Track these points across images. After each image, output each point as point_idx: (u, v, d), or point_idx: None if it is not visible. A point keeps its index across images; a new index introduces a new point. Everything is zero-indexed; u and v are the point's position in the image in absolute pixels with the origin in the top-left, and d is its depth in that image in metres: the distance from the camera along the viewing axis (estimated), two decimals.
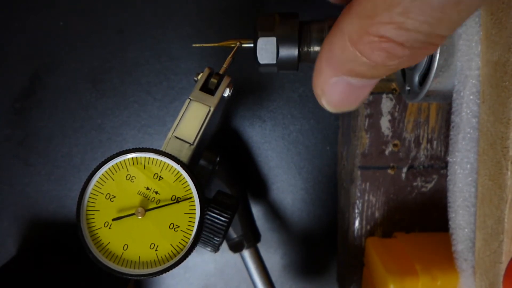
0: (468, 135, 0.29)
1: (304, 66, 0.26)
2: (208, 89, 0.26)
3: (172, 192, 0.23)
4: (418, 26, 0.16)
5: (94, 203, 0.23)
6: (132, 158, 0.24)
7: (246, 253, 0.42)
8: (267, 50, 0.24)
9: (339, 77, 0.19)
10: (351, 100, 0.20)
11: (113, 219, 0.23)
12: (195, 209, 0.23)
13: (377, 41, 0.16)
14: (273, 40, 0.24)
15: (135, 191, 0.23)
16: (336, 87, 0.19)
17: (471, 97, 0.28)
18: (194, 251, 0.23)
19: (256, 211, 0.48)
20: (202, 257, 0.49)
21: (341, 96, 0.20)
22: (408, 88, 0.33)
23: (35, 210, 0.47)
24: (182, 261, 0.23)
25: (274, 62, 0.24)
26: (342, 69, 0.19)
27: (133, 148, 0.24)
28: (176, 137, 0.25)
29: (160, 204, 0.23)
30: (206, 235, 0.24)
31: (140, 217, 0.23)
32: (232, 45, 0.26)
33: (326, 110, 0.21)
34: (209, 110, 0.25)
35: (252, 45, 0.26)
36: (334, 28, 0.18)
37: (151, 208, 0.23)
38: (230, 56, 0.27)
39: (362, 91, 0.20)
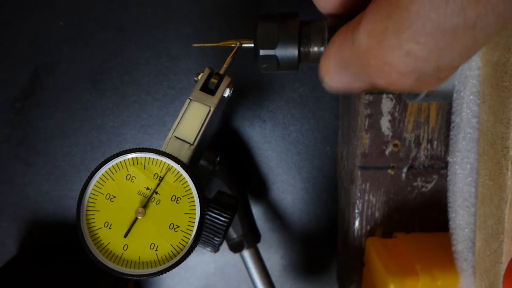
0: (468, 135, 0.29)
1: (304, 66, 0.26)
2: (208, 89, 0.26)
3: (172, 192, 0.23)
4: (426, 54, 0.15)
5: (94, 203, 0.23)
6: (132, 158, 0.24)
7: (246, 253, 0.42)
8: (267, 37, 0.24)
9: (342, 71, 0.19)
10: (350, 88, 0.20)
11: (124, 236, 0.23)
12: (195, 209, 0.23)
13: (382, 66, 0.16)
14: (273, 26, 0.24)
15: (135, 191, 0.23)
16: (339, 77, 0.20)
17: (471, 97, 0.28)
18: (194, 251, 0.23)
19: (256, 211, 0.48)
20: (202, 257, 0.49)
21: (342, 84, 0.20)
22: None
23: (35, 210, 0.47)
24: (182, 261, 0.23)
25: (274, 49, 0.24)
26: (346, 68, 0.19)
27: (133, 148, 0.24)
28: (176, 137, 0.25)
29: (160, 204, 0.23)
30: (206, 235, 0.24)
31: (140, 217, 0.23)
32: (232, 45, 0.26)
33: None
34: (209, 110, 0.25)
35: (252, 45, 0.26)
36: (346, 32, 0.18)
37: (151, 208, 0.23)
38: (230, 56, 0.26)
39: (362, 86, 0.20)
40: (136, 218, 0.23)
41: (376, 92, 0.39)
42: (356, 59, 0.17)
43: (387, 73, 0.16)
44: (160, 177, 0.24)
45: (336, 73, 0.20)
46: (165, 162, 0.24)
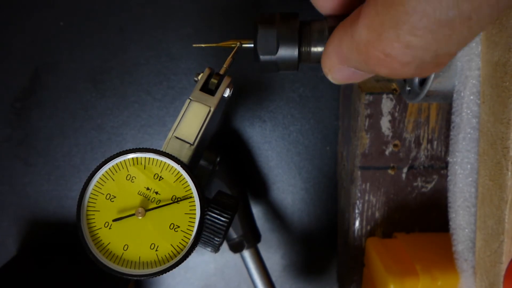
0: (469, 135, 0.29)
1: (304, 66, 0.26)
2: (208, 89, 0.26)
3: (172, 192, 0.23)
4: (425, 45, 0.15)
5: (95, 203, 0.23)
6: (133, 158, 0.24)
7: (246, 253, 0.42)
8: (267, 43, 0.24)
9: (344, 66, 0.20)
10: (354, 80, 0.21)
11: (114, 220, 0.23)
12: (195, 209, 0.23)
13: (383, 58, 0.16)
14: (273, 32, 0.24)
15: (136, 191, 0.23)
16: (342, 71, 0.20)
17: (472, 97, 0.28)
18: (194, 251, 0.23)
19: (256, 211, 0.48)
20: (202, 257, 0.49)
21: (345, 77, 0.21)
22: (408, 88, 0.33)
23: (35, 210, 0.47)
24: (182, 261, 0.23)
25: (274, 55, 0.24)
26: (347, 63, 0.19)
27: (133, 148, 0.24)
28: (177, 137, 0.25)
29: (160, 204, 0.23)
30: (207, 235, 0.24)
31: (140, 217, 0.23)
32: (232, 45, 0.26)
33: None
34: (210, 111, 0.25)
35: (252, 45, 0.26)
36: (345, 27, 0.18)
37: (151, 208, 0.23)
38: (230, 56, 0.26)
39: (366, 76, 0.21)
40: (133, 214, 0.23)
41: (377, 92, 0.39)
42: (356, 53, 0.18)
43: (388, 64, 0.17)
44: (161, 177, 0.24)
45: (338, 68, 0.20)
46: (165, 162, 0.24)
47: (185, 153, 0.25)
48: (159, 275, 0.23)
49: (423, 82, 0.31)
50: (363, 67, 0.18)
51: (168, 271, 0.23)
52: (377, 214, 0.40)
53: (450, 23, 0.14)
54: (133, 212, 0.23)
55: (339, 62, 0.20)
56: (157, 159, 0.24)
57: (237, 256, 0.43)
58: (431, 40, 0.15)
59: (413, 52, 0.16)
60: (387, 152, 0.40)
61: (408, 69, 0.16)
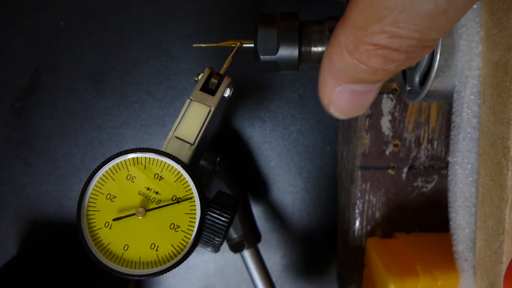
0: (469, 135, 0.29)
1: (304, 66, 0.26)
2: (208, 89, 0.26)
3: (172, 192, 0.23)
4: (409, 34, 0.16)
5: (95, 203, 0.23)
6: (133, 158, 0.24)
7: (247, 253, 0.42)
8: (267, 43, 0.24)
9: (342, 86, 0.20)
10: (358, 105, 0.21)
11: (114, 219, 0.23)
12: (195, 209, 0.23)
13: (373, 49, 0.17)
14: (273, 32, 0.24)
15: (136, 191, 0.23)
16: (342, 95, 0.20)
17: (472, 97, 0.28)
18: (194, 251, 0.23)
19: (256, 211, 0.48)
20: (202, 257, 0.49)
21: (347, 103, 0.20)
22: (408, 88, 0.33)
23: (35, 210, 0.47)
24: (183, 261, 0.23)
25: (275, 55, 0.24)
26: (344, 77, 0.19)
27: (133, 148, 0.24)
28: (177, 137, 0.25)
29: (161, 204, 0.23)
30: (207, 235, 0.24)
31: (140, 217, 0.23)
32: (233, 45, 0.26)
33: (326, 110, 0.21)
34: (210, 110, 0.25)
35: (252, 45, 0.26)
36: (331, 41, 0.19)
37: (151, 208, 0.23)
38: (230, 56, 0.27)
39: (368, 96, 0.21)
40: (133, 213, 0.23)
41: None
42: (347, 56, 0.18)
43: (379, 53, 0.17)
44: (161, 177, 0.24)
45: (336, 92, 0.20)
46: (165, 162, 0.24)
47: (185, 153, 0.25)
48: (159, 275, 0.23)
49: (423, 82, 0.31)
50: (357, 70, 0.18)
51: (168, 271, 0.23)
52: (377, 214, 0.40)
53: (428, 15, 0.16)
54: (133, 212, 0.23)
55: (336, 83, 0.20)
56: (158, 159, 0.24)
57: (237, 256, 0.43)
58: (413, 31, 0.16)
59: (399, 40, 0.17)
60: (387, 152, 0.40)
61: (399, 55, 0.17)
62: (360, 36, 0.17)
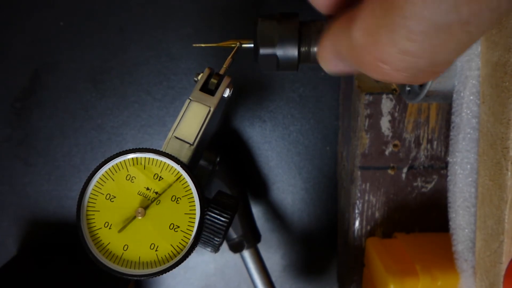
0: (468, 135, 0.29)
1: (304, 66, 0.26)
2: (208, 89, 0.26)
3: (172, 192, 0.23)
4: (421, 51, 0.15)
5: (94, 203, 0.23)
6: (132, 158, 0.24)
7: (246, 253, 0.42)
8: (267, 33, 0.24)
9: (339, 61, 0.20)
10: (349, 73, 0.21)
11: (119, 231, 0.23)
12: (195, 210, 0.23)
13: (377, 64, 0.16)
14: (273, 23, 0.24)
15: (135, 191, 0.23)
16: (337, 65, 0.20)
17: (471, 97, 0.28)
18: (194, 251, 0.23)
19: (256, 211, 0.48)
20: (202, 257, 0.49)
21: (339, 70, 0.21)
22: (408, 88, 0.33)
23: (35, 210, 0.47)
24: (182, 262, 0.23)
25: (274, 47, 0.24)
26: (342, 59, 0.19)
27: (133, 149, 0.24)
28: (176, 138, 0.25)
29: (160, 204, 0.23)
30: (206, 235, 0.24)
31: (140, 218, 0.23)
32: (232, 45, 0.26)
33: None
34: (209, 111, 0.25)
35: (252, 45, 0.26)
36: (342, 23, 0.18)
37: (151, 209, 0.23)
38: (230, 56, 0.27)
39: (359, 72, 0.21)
40: (134, 216, 0.23)
41: (376, 93, 0.39)
42: (351, 55, 0.18)
43: (381, 70, 0.16)
44: (160, 177, 0.24)
45: (332, 61, 0.20)
46: (165, 162, 0.24)
47: (185, 153, 0.25)
48: (159, 275, 0.23)
49: None
50: (356, 68, 0.18)
51: (168, 271, 0.23)
52: (377, 214, 0.40)
53: (448, 27, 0.14)
54: (133, 214, 0.23)
55: (334, 57, 0.20)
56: (157, 159, 0.24)
57: (237, 256, 0.43)
58: (427, 46, 0.15)
59: (408, 58, 0.15)
60: (387, 152, 0.40)
61: (402, 76, 0.16)
62: (368, 44, 0.16)
